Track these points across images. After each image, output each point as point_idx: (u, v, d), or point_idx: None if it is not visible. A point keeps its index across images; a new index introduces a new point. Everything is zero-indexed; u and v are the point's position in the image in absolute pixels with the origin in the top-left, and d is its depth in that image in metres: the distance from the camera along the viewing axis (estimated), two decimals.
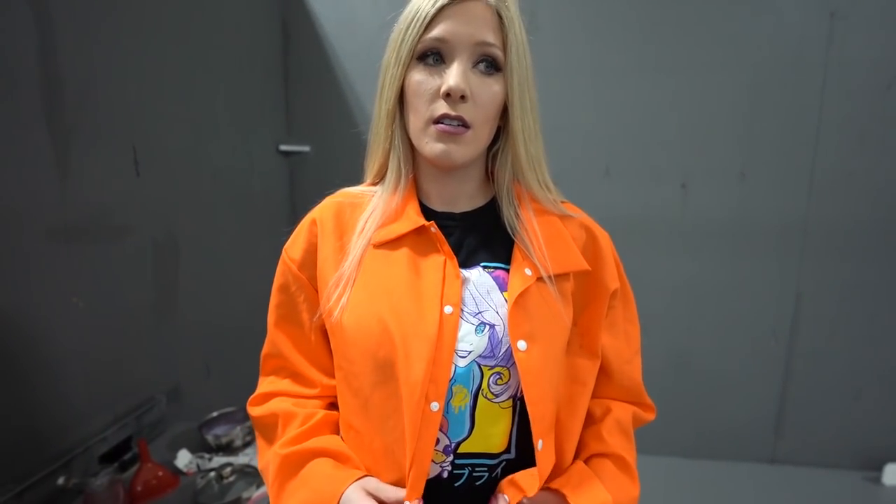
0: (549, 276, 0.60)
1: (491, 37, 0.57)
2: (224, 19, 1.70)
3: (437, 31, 0.56)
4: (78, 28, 1.17)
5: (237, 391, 1.75)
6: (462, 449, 0.59)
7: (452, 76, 0.56)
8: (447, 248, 0.61)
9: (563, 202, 0.68)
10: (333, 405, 0.68)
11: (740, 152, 1.89)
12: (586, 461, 0.65)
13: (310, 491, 0.59)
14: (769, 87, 1.84)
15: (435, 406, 0.55)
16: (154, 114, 1.41)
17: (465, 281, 0.61)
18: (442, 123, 0.57)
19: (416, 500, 0.55)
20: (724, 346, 2.02)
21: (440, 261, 0.60)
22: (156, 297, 1.45)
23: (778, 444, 2.06)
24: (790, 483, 1.96)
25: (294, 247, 0.67)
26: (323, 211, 0.67)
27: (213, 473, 1.19)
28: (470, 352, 0.58)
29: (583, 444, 0.66)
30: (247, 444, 1.36)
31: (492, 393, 0.59)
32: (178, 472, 1.24)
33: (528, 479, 0.58)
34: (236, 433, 1.35)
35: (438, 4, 0.56)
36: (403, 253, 0.61)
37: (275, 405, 0.67)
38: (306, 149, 2.10)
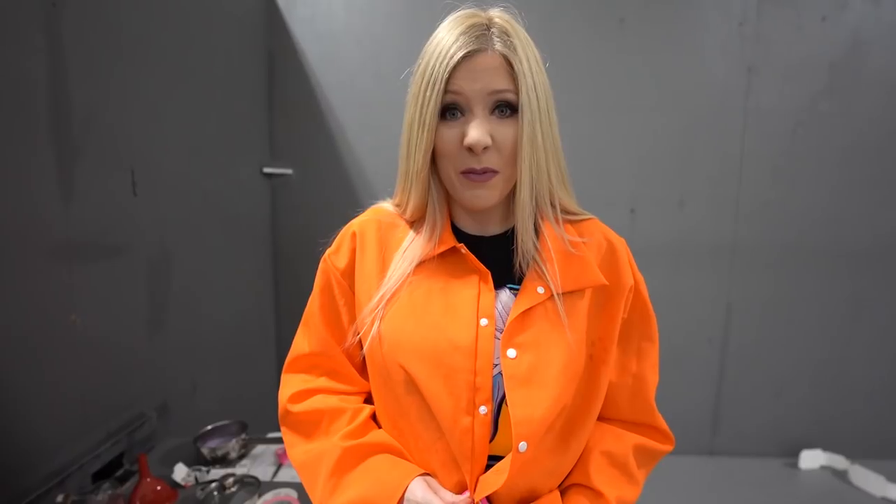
0: (559, 294, 0.61)
1: (502, 83, 0.57)
2: (215, 53, 1.72)
3: (453, 88, 0.57)
4: (86, 58, 1.17)
5: (223, 406, 1.72)
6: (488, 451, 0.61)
7: (473, 130, 0.56)
8: (480, 265, 0.62)
9: (586, 219, 0.69)
10: (369, 401, 0.70)
11: (679, 183, 2.09)
12: (567, 489, 0.65)
13: (373, 481, 0.59)
14: (701, 129, 2.06)
15: (483, 410, 0.58)
16: (151, 138, 1.40)
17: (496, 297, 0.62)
18: (471, 174, 0.59)
19: (482, 501, 0.58)
20: (666, 352, 2.17)
21: (474, 278, 0.62)
22: (148, 314, 1.42)
23: (715, 439, 2.24)
24: (726, 472, 2.12)
25: (338, 255, 0.68)
26: (364, 226, 0.68)
27: (214, 484, 1.17)
28: (496, 365, 0.60)
29: (572, 471, 0.66)
30: (241, 457, 1.35)
31: None
32: (176, 486, 1.21)
33: (492, 477, 0.58)
34: (231, 445, 1.33)
35: (450, 66, 0.56)
36: (439, 273, 0.63)
37: (319, 402, 0.67)
38: (288, 171, 2.11)
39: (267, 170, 2.05)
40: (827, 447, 2.17)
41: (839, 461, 2.11)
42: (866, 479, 1.98)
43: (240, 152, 1.91)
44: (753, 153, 2.06)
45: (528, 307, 0.60)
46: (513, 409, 0.57)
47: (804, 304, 2.13)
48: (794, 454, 2.16)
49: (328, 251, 0.70)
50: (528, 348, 0.59)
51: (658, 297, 2.10)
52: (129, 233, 1.33)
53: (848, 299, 2.12)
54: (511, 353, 0.59)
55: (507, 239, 0.65)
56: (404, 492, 0.58)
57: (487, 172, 0.59)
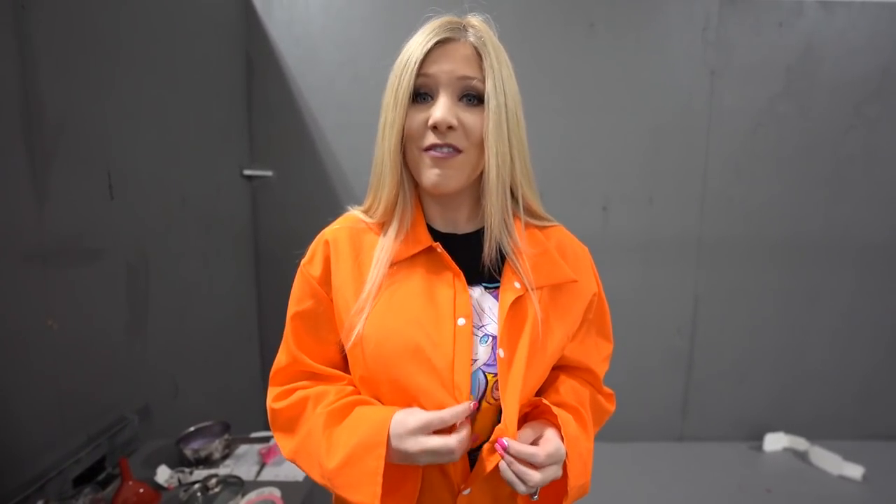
0: (533, 289, 0.62)
1: (471, 71, 0.59)
2: (193, 53, 1.68)
3: (424, 71, 0.59)
4: (58, 60, 1.13)
5: (206, 407, 1.69)
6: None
7: (438, 109, 0.58)
8: (454, 265, 0.62)
9: (552, 225, 0.70)
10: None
11: (648, 181, 2.13)
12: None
13: (364, 426, 0.58)
14: (668, 129, 2.10)
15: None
16: (127, 141, 1.36)
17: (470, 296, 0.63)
18: (433, 151, 0.59)
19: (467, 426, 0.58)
20: (638, 343, 2.23)
21: (449, 277, 0.62)
22: (128, 317, 1.38)
23: (684, 425, 2.30)
24: (695, 456, 2.18)
25: (313, 264, 0.67)
26: (336, 233, 0.67)
27: (197, 485, 1.15)
28: (476, 360, 0.61)
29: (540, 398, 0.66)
30: (225, 457, 1.33)
31: (493, 398, 0.62)
32: (159, 488, 1.18)
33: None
34: (214, 446, 1.30)
35: (425, 49, 0.58)
36: (416, 272, 0.63)
37: (303, 392, 0.66)
38: (269, 173, 2.08)
39: (247, 171, 2.02)
40: (789, 430, 2.25)
41: (800, 443, 2.19)
42: (824, 458, 2.07)
43: (219, 154, 1.88)
44: (717, 152, 2.12)
45: (513, 300, 0.61)
46: (504, 403, 0.59)
47: (765, 295, 2.20)
48: (759, 437, 2.24)
49: (303, 261, 0.68)
50: (514, 346, 0.61)
51: (630, 290, 2.17)
52: (106, 236, 1.29)
53: (805, 290, 2.20)
54: (501, 353, 0.60)
55: (477, 237, 0.66)
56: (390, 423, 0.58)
57: (450, 147, 0.59)
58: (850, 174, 2.13)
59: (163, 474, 1.21)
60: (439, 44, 0.59)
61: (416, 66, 0.58)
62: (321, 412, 0.62)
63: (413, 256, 0.63)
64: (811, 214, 2.15)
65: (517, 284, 0.62)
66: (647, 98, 2.08)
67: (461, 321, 0.60)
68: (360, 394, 0.66)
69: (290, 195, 2.12)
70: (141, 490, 1.14)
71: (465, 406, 0.57)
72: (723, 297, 2.20)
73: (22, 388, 1.06)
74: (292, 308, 0.68)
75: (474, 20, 0.62)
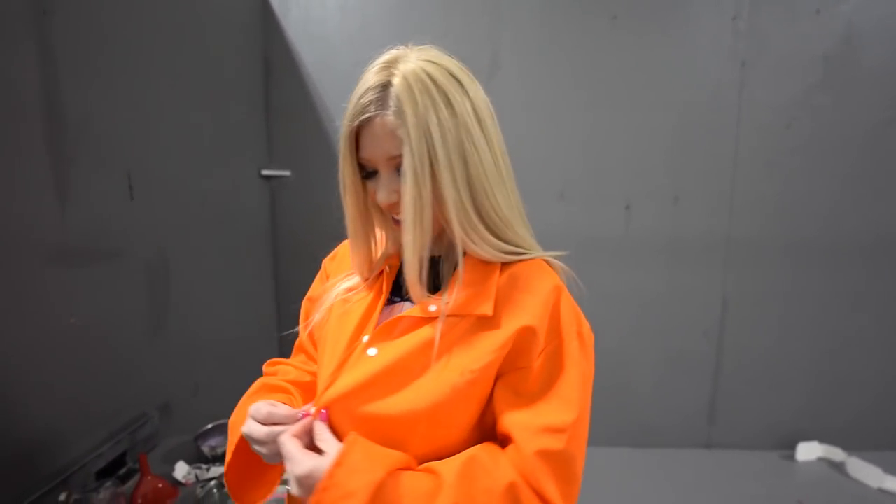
0: (442, 316, 0.58)
1: (396, 149, 0.57)
2: (212, 57, 1.71)
3: (361, 153, 0.60)
4: (78, 63, 1.16)
5: (224, 405, 1.72)
6: None
7: (379, 192, 0.60)
8: (385, 288, 0.67)
9: (522, 260, 0.63)
10: None
11: (674, 178, 2.06)
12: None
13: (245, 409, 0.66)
14: (696, 124, 2.03)
15: None
16: (147, 143, 1.40)
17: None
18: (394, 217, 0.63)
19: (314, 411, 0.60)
20: (664, 346, 2.17)
21: (381, 297, 0.67)
22: (148, 315, 1.42)
23: (712, 431, 2.22)
24: (723, 464, 2.11)
25: (331, 260, 0.80)
26: (338, 249, 0.80)
27: (213, 482, 1.17)
28: None
29: None
30: None
31: None
32: (177, 484, 1.21)
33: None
34: None
35: (352, 131, 0.59)
36: (361, 294, 0.69)
37: (281, 368, 0.79)
38: (287, 173, 2.11)
39: (265, 172, 2.05)
40: (823, 439, 2.15)
41: (836, 453, 2.09)
42: (863, 470, 1.96)
43: (238, 154, 1.91)
44: (748, 148, 2.03)
45: (399, 317, 0.61)
46: (340, 381, 0.60)
47: (799, 298, 2.10)
48: (791, 446, 2.14)
49: (325, 259, 0.80)
50: (388, 355, 0.59)
51: (654, 292, 2.11)
52: (126, 236, 1.33)
53: (843, 292, 2.09)
54: (371, 351, 0.60)
55: (437, 261, 0.66)
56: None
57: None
58: (892, 170, 2.01)
59: (181, 470, 1.24)
60: (366, 122, 0.57)
61: (353, 142, 0.60)
62: (252, 389, 0.73)
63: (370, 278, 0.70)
64: (849, 213, 2.04)
65: (433, 307, 0.60)
66: (672, 92, 2.01)
67: (372, 351, 0.61)
68: (309, 389, 0.74)
69: (309, 194, 2.14)
70: (160, 485, 1.17)
71: (294, 411, 0.61)
72: (753, 300, 2.11)
73: (47, 385, 1.10)
74: (308, 293, 0.79)
75: (399, 71, 0.56)
